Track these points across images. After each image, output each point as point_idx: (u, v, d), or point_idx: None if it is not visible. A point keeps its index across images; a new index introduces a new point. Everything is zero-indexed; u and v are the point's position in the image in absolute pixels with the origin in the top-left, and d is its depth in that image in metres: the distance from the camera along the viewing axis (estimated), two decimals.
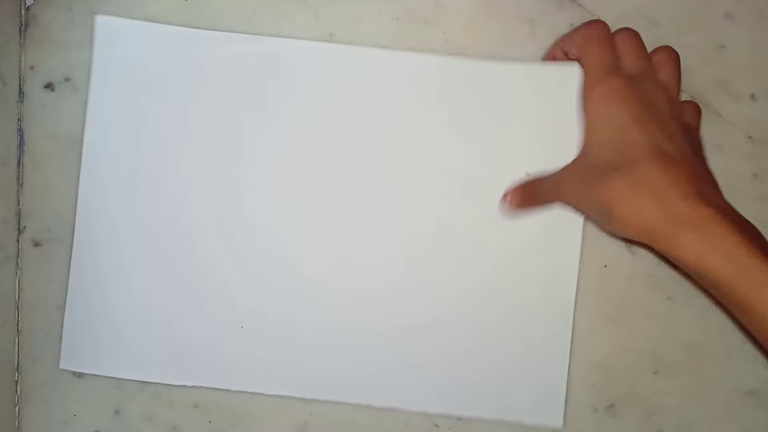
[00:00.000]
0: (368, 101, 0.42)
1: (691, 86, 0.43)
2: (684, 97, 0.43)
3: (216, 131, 0.42)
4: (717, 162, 0.42)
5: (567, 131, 0.40)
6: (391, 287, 0.42)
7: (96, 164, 0.42)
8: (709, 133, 0.42)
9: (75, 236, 0.42)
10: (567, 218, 0.41)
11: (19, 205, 0.43)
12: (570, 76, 0.40)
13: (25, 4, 0.43)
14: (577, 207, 0.39)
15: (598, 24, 0.39)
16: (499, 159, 0.41)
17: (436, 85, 0.42)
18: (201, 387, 0.42)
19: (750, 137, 0.43)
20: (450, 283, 0.42)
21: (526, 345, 0.41)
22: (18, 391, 0.43)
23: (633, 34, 0.38)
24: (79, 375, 0.43)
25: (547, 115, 0.41)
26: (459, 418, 0.42)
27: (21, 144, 0.43)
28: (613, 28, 0.42)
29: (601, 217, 0.36)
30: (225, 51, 0.42)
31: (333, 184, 0.42)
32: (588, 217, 0.41)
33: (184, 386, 0.42)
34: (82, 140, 0.43)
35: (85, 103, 0.42)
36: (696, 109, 0.40)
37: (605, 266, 0.42)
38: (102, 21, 0.42)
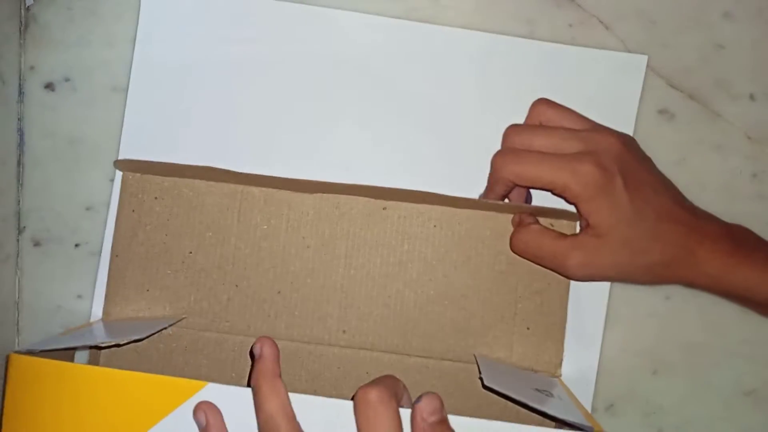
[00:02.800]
0: (429, 77, 0.43)
1: (690, 86, 0.43)
2: (683, 96, 0.43)
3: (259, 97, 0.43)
4: (716, 162, 0.43)
5: (624, 117, 0.42)
6: None
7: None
8: (708, 133, 0.43)
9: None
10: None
11: (18, 204, 0.43)
12: (635, 64, 0.42)
13: (25, 4, 0.43)
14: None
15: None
16: None
17: (502, 65, 0.43)
18: None
19: (749, 137, 0.43)
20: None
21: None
22: None
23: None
24: None
25: (608, 101, 0.42)
26: None
27: (21, 144, 0.43)
28: (613, 27, 0.43)
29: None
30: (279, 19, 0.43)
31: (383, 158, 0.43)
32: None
33: None
34: (81, 140, 0.43)
35: (87, 101, 0.43)
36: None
37: None
38: None
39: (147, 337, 0.39)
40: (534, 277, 0.42)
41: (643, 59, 0.42)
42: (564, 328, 0.42)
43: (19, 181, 0.43)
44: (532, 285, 0.42)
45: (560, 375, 0.41)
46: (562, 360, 0.41)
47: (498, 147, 0.41)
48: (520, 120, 0.41)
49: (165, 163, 0.41)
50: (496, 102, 0.42)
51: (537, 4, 0.43)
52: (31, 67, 0.43)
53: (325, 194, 0.42)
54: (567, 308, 0.42)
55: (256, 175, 0.40)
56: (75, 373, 0.32)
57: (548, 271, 0.41)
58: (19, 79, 0.43)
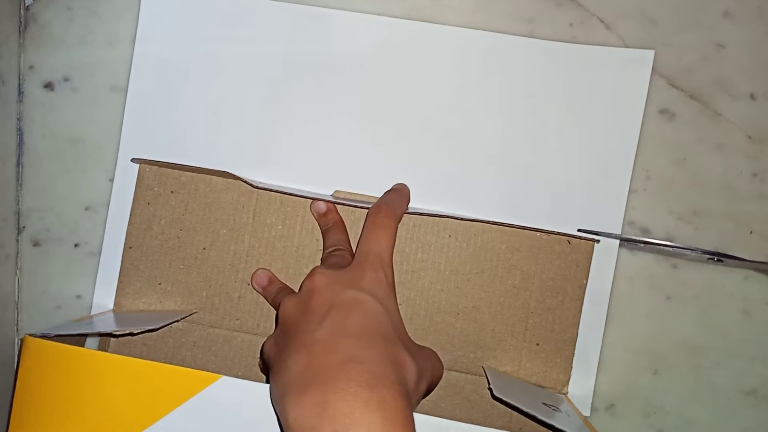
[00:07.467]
0: (432, 76, 0.43)
1: (691, 86, 0.43)
2: (684, 96, 0.43)
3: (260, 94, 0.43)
4: (717, 161, 0.42)
5: (631, 114, 0.42)
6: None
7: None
8: (708, 132, 0.42)
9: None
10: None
11: (18, 204, 0.43)
12: (642, 59, 0.41)
13: (25, 3, 0.43)
14: None
15: None
16: (563, 135, 0.42)
17: (504, 64, 0.42)
18: None
19: (749, 137, 0.43)
20: None
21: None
22: None
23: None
24: None
25: (614, 98, 0.42)
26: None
27: (20, 143, 0.43)
28: (614, 27, 0.42)
29: None
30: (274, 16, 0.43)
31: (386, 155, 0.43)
32: None
33: None
34: (81, 140, 0.43)
35: (87, 100, 0.43)
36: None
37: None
38: None
39: (160, 327, 0.39)
40: (547, 294, 0.42)
41: (650, 54, 0.42)
42: (574, 346, 0.41)
43: (18, 181, 0.43)
44: (545, 301, 0.42)
45: (567, 393, 0.41)
46: (570, 378, 0.41)
47: (498, 146, 0.41)
48: (521, 118, 0.41)
49: (182, 165, 0.41)
50: (497, 101, 0.42)
51: (537, 3, 0.43)
52: (31, 67, 0.43)
53: (340, 198, 0.42)
54: (578, 327, 0.41)
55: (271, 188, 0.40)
56: (91, 359, 0.32)
57: (562, 288, 0.41)
58: (19, 78, 0.43)
